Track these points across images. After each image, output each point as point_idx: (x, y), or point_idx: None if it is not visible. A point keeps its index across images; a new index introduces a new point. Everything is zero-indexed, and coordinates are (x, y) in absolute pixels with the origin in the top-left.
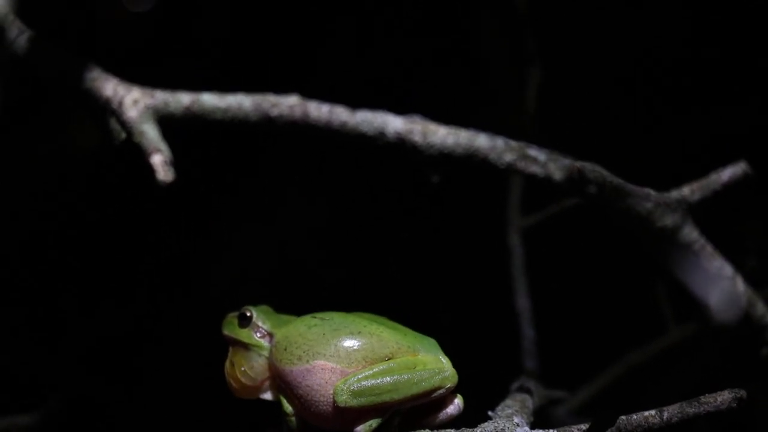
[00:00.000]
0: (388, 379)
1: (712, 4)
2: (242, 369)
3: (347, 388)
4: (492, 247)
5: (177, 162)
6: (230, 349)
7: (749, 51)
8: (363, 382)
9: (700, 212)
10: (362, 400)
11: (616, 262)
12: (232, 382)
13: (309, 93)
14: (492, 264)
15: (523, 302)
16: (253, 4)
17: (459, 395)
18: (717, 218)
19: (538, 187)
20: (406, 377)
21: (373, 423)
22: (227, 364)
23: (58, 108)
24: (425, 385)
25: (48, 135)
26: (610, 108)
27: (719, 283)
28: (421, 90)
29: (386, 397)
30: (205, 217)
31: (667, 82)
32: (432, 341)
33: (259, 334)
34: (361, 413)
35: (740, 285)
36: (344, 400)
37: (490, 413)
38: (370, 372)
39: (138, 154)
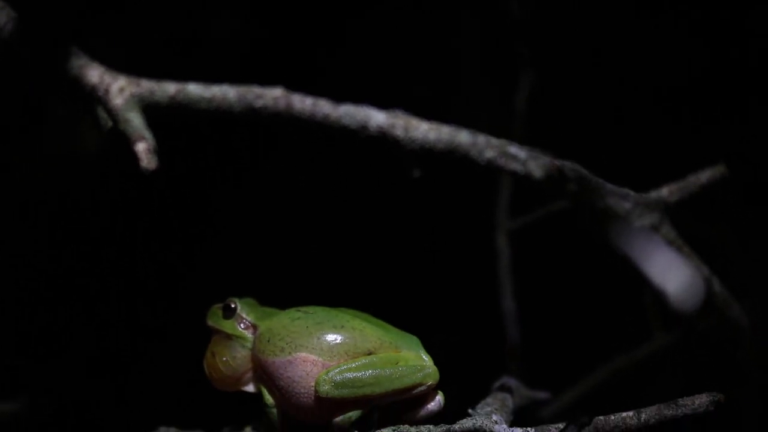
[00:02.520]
0: (370, 372)
1: (706, 14)
2: (224, 359)
3: (329, 378)
4: (479, 249)
5: (172, 160)
6: (212, 339)
7: (741, 60)
8: (345, 374)
9: (678, 213)
10: (343, 392)
11: (603, 266)
12: (212, 372)
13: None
14: (479, 265)
15: (508, 304)
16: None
17: (440, 392)
18: (704, 233)
19: (519, 184)
20: (387, 372)
21: (353, 415)
22: (208, 354)
23: (57, 114)
24: (406, 381)
25: (48, 141)
26: (598, 113)
27: (678, 271)
28: (410, 93)
29: (367, 390)
30: (194, 214)
31: (658, 89)
32: (414, 339)
33: (242, 326)
34: (341, 405)
35: (716, 286)
36: (326, 390)
37: (470, 411)
38: (353, 365)
39: (124, 143)
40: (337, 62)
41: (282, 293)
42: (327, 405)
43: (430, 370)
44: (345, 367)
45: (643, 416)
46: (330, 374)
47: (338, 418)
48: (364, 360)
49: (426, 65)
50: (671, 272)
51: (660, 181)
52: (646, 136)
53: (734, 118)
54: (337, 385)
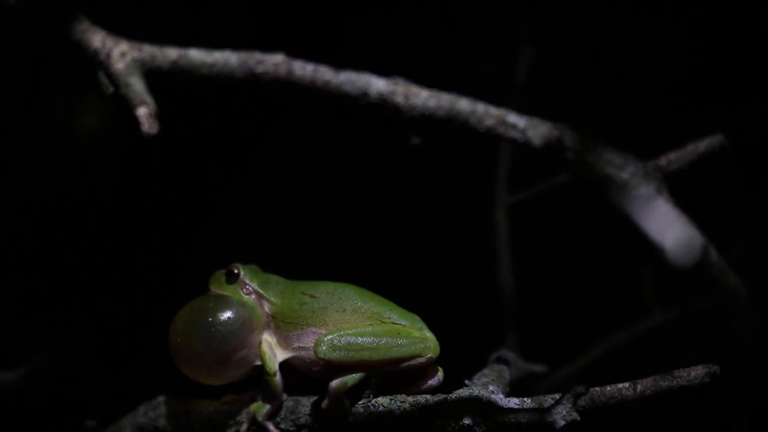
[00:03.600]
0: (370, 339)
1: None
2: (219, 324)
3: (328, 340)
4: (478, 223)
5: (174, 127)
6: (181, 309)
7: (744, 40)
8: (344, 338)
9: (676, 183)
10: (341, 354)
11: (601, 241)
12: (188, 350)
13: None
14: (477, 239)
15: (506, 278)
16: None
17: (440, 368)
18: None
19: (518, 156)
20: (387, 339)
21: (349, 380)
22: (177, 324)
23: (57, 99)
24: (405, 351)
25: (44, 131)
26: (599, 88)
27: (676, 226)
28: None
29: (365, 355)
30: (194, 200)
31: (661, 67)
32: (416, 317)
33: (245, 291)
34: (339, 368)
35: (714, 256)
36: (323, 351)
37: (466, 381)
38: (354, 330)
39: (126, 108)
40: (337, 62)
41: (284, 268)
42: (325, 367)
43: (431, 344)
44: (345, 331)
45: (639, 387)
46: (329, 336)
47: (334, 382)
48: (366, 328)
49: (425, 64)
50: (669, 227)
51: (659, 153)
52: (646, 113)
53: (736, 103)
54: (334, 347)
